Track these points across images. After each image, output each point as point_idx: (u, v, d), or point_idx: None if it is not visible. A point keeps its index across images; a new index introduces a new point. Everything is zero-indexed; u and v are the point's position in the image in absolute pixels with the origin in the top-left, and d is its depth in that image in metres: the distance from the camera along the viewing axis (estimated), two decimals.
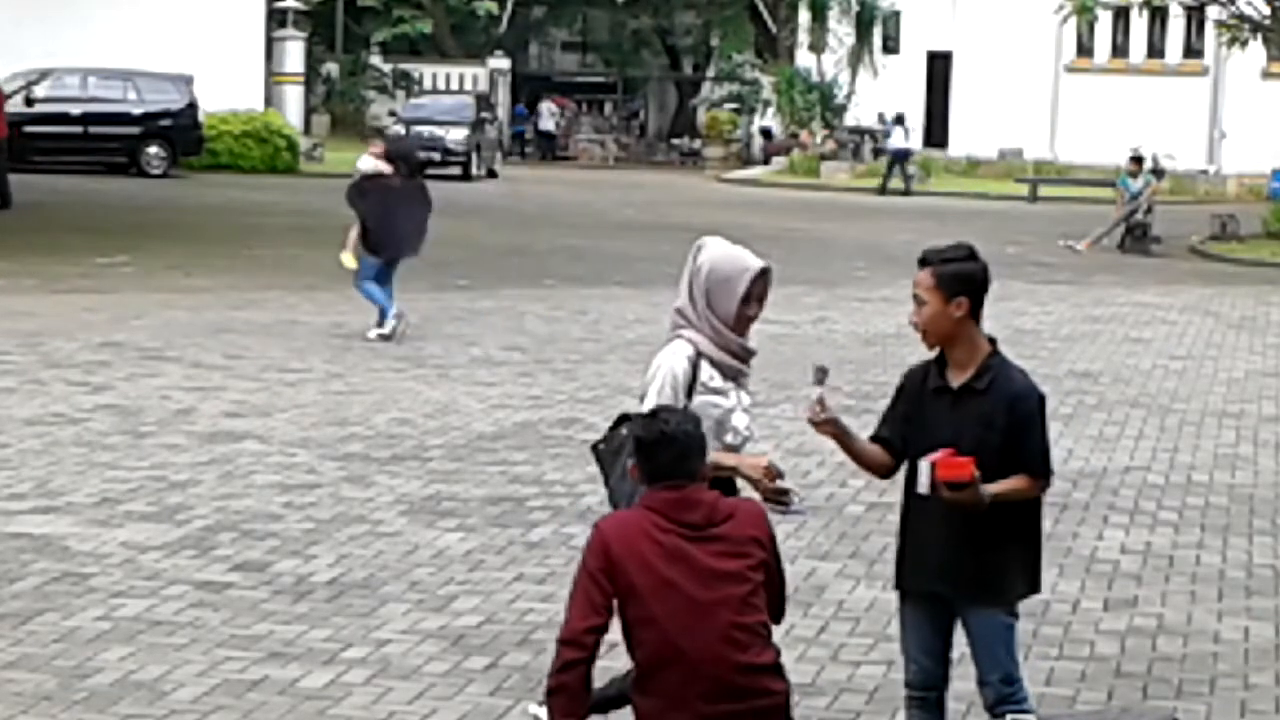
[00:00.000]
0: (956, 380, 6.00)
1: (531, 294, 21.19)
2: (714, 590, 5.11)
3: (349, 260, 17.07)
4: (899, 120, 44.54)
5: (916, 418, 6.05)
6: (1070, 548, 10.13)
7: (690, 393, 6.28)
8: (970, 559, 5.98)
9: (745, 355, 6.43)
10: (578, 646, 5.10)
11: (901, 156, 43.63)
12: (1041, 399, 6.07)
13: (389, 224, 16.81)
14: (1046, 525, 10.42)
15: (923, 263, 6.00)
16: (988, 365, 6.00)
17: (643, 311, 19.23)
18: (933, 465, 5.84)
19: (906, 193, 42.73)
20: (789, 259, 25.32)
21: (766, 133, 54.94)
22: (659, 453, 5.20)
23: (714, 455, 6.21)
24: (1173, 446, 13.20)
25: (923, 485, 5.90)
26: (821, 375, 6.05)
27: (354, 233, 16.94)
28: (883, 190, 43.06)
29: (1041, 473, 6.03)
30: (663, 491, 5.18)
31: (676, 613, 5.08)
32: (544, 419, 13.37)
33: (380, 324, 17.01)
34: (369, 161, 17.31)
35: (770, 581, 5.28)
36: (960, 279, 5.95)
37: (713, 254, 6.38)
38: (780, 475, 6.28)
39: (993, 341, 6.06)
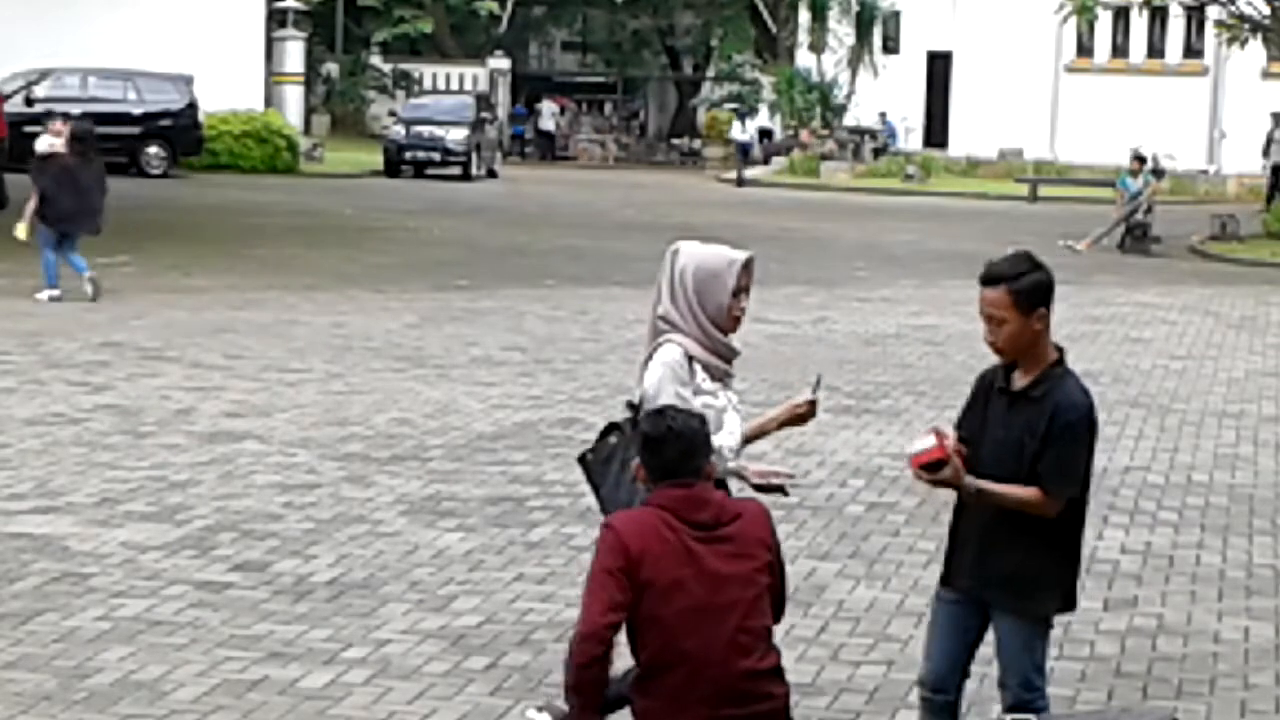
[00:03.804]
0: (1019, 383, 5.96)
1: (531, 294, 21.18)
2: (722, 594, 5.10)
3: (22, 232, 18.77)
4: (743, 116, 50.75)
5: (981, 416, 6.01)
6: None
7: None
8: (1002, 562, 5.95)
9: (731, 355, 6.44)
10: (599, 641, 5.07)
11: (745, 149, 48.52)
12: (1090, 418, 5.94)
13: (62, 199, 18.48)
14: None
15: (992, 281, 5.87)
16: (1048, 374, 5.94)
17: (643, 311, 19.02)
18: (909, 456, 5.88)
19: (739, 183, 45.94)
20: (789, 259, 25.37)
21: (767, 133, 55.05)
22: (666, 449, 5.20)
23: (750, 423, 6.40)
24: (1173, 446, 13.19)
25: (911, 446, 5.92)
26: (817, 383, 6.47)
27: (30, 206, 18.67)
28: (740, 183, 46.34)
29: (1054, 488, 5.85)
30: (672, 489, 5.17)
31: (684, 615, 5.06)
32: (544, 419, 13.37)
33: (52, 288, 18.70)
34: (46, 141, 18.93)
35: (773, 583, 5.27)
36: (1039, 291, 5.89)
37: (693, 254, 6.39)
38: (817, 388, 6.52)
39: (1060, 351, 6.00)
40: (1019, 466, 5.85)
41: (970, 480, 5.82)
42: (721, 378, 6.40)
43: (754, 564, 5.19)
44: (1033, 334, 5.91)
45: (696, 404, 6.14)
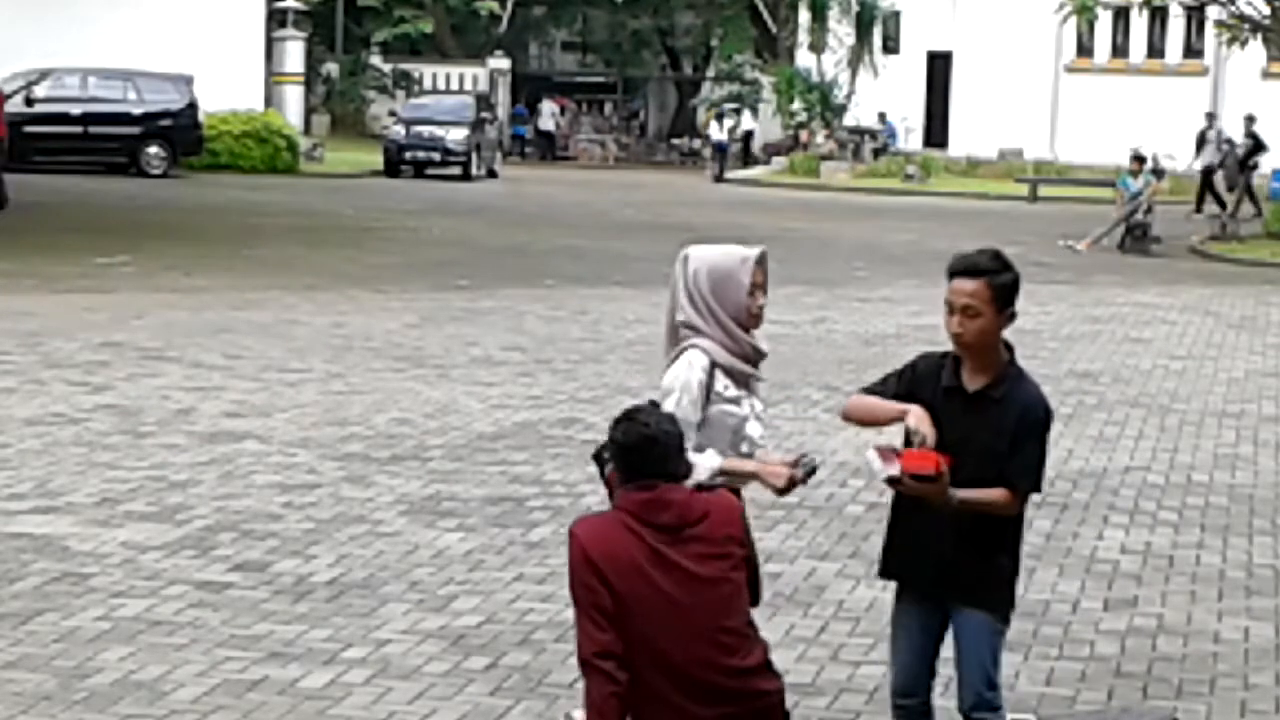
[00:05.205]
0: (972, 384, 5.90)
1: (531, 294, 21.18)
2: (696, 595, 5.03)
3: None
4: (720, 116, 52.84)
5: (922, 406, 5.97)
6: (1070, 548, 10.13)
7: (706, 403, 6.17)
8: (971, 561, 5.93)
9: (757, 358, 6.35)
10: (607, 658, 4.99)
11: (722, 148, 50.61)
12: (1049, 414, 5.98)
13: None
14: (1046, 525, 10.50)
15: (972, 273, 5.81)
16: (1006, 374, 5.92)
17: (643, 311, 19.23)
18: (878, 453, 5.79)
19: (719, 179, 48.49)
20: (789, 259, 25.34)
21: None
22: (636, 455, 5.12)
23: (731, 461, 6.14)
24: (1173, 446, 13.19)
25: (876, 471, 5.82)
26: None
27: None
28: (717, 179, 48.85)
29: (1022, 488, 5.89)
30: (635, 492, 5.09)
31: (658, 618, 4.98)
32: (544, 419, 13.37)
33: None
34: None
35: (747, 575, 5.24)
36: (1014, 289, 5.85)
37: (704, 257, 6.31)
38: (807, 477, 6.21)
39: (1010, 349, 5.98)
40: (982, 469, 5.81)
41: (953, 492, 5.80)
42: (746, 382, 6.31)
43: (728, 562, 5.12)
44: (998, 331, 5.89)
45: (714, 413, 6.09)
